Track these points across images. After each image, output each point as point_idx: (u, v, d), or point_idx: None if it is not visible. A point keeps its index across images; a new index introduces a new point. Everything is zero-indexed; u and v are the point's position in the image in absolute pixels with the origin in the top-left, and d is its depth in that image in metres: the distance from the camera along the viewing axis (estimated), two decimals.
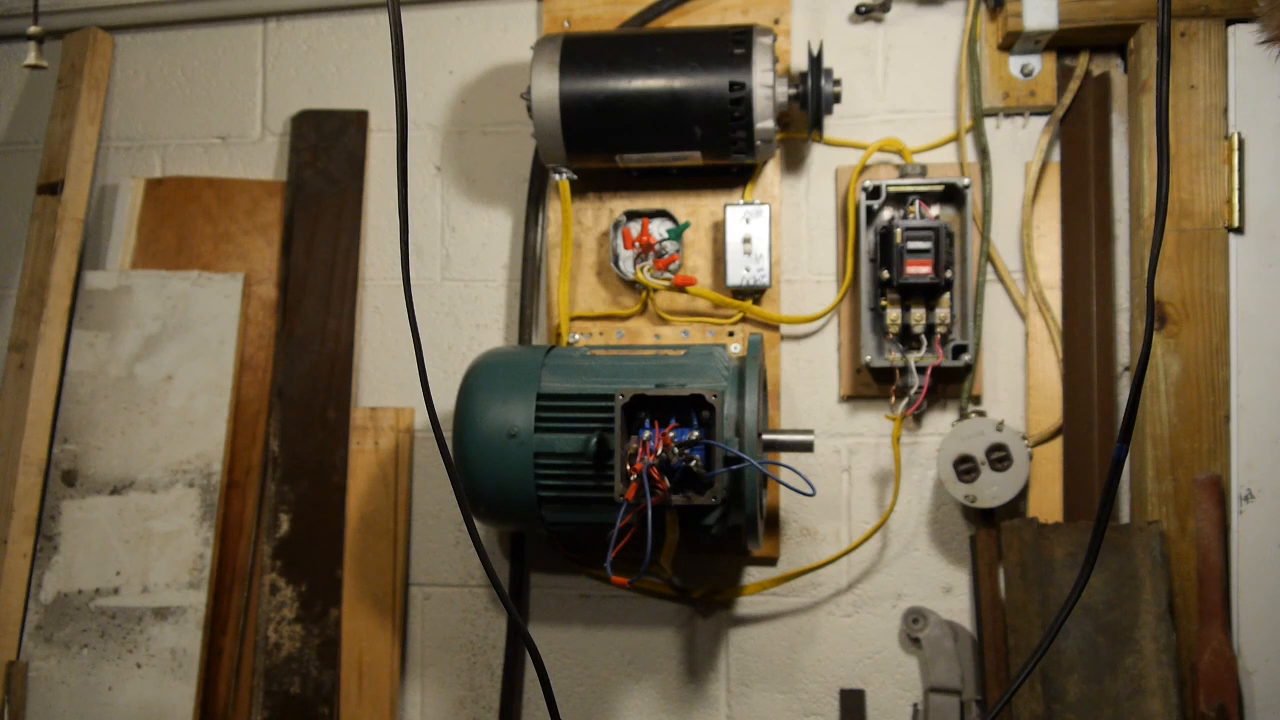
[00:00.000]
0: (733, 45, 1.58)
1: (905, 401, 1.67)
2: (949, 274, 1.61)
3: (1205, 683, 1.52)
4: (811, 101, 1.62)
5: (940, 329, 1.64)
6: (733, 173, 1.75)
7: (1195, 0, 1.59)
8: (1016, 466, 1.61)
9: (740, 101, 1.57)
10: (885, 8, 1.75)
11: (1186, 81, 1.60)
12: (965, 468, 1.62)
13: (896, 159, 1.74)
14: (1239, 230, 1.59)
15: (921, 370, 1.65)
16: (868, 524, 1.74)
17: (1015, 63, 1.70)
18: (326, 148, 1.87)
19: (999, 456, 1.61)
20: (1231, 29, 1.59)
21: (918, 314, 1.65)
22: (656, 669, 1.79)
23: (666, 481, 1.36)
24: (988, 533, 1.67)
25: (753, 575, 1.76)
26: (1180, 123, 1.60)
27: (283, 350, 1.82)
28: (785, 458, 1.62)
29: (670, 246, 1.73)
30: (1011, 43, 1.68)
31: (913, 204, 1.65)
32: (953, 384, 1.70)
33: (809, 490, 1.45)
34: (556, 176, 1.71)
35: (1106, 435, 1.64)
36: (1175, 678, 1.53)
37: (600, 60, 1.60)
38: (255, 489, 1.81)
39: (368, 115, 1.88)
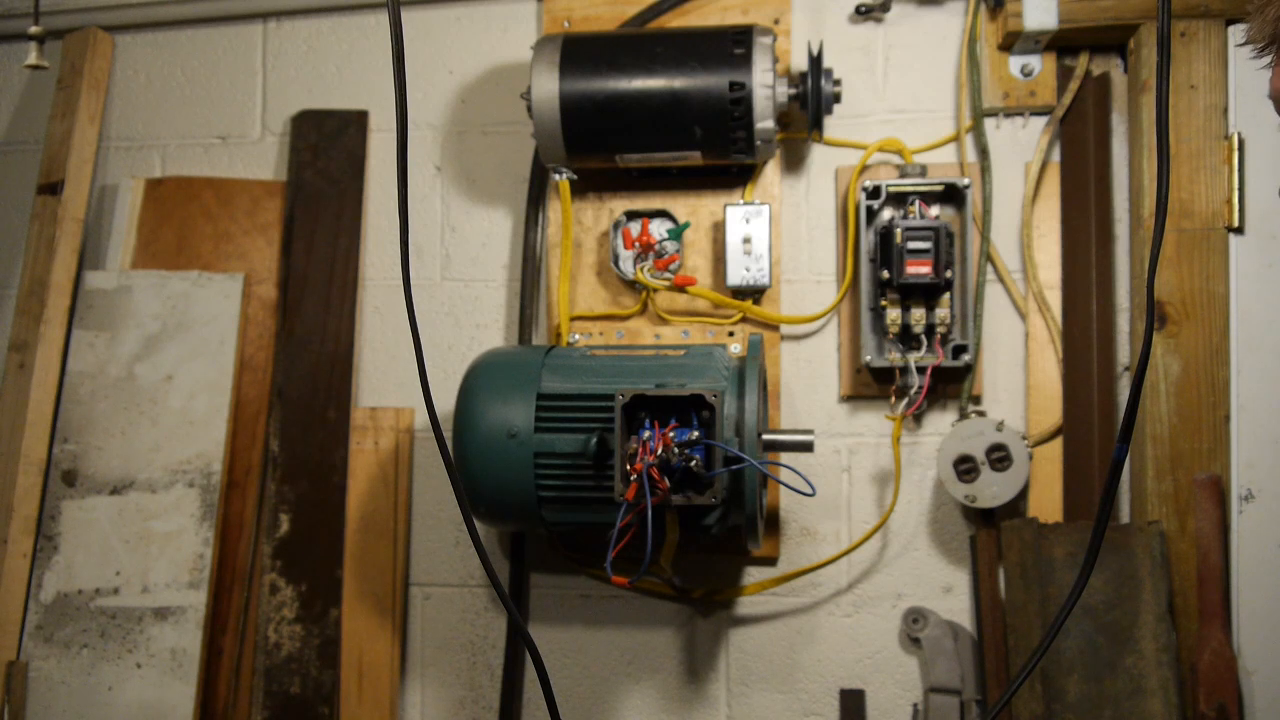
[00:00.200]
0: (733, 45, 1.58)
1: (905, 401, 1.67)
2: (949, 274, 1.61)
3: (1205, 683, 1.52)
4: (811, 101, 1.62)
5: (940, 329, 1.64)
6: (733, 173, 1.75)
7: (1195, 0, 1.58)
8: (1016, 466, 1.61)
9: (740, 101, 1.57)
10: (885, 8, 1.75)
11: (1186, 81, 1.60)
12: (965, 468, 1.62)
13: (896, 159, 1.74)
14: (1239, 230, 1.59)
15: (921, 370, 1.65)
16: (868, 524, 1.74)
17: (1015, 63, 1.70)
18: (326, 148, 1.87)
19: (999, 456, 1.61)
20: (1231, 29, 1.59)
21: (918, 314, 1.65)
22: (656, 669, 1.79)
23: (666, 481, 1.36)
24: (988, 533, 1.67)
25: (753, 575, 1.76)
26: (1180, 123, 1.59)
27: (283, 350, 1.82)
28: (785, 458, 1.62)
29: (670, 246, 1.73)
30: (1011, 43, 1.68)
31: (913, 204, 1.65)
32: (953, 384, 1.70)
33: (809, 490, 1.45)
34: (556, 176, 1.71)
35: (1106, 435, 1.64)
36: (1175, 678, 1.53)
37: (600, 60, 1.60)
38: (255, 489, 1.81)
39: (368, 115, 1.88)
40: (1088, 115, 1.69)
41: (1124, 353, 1.68)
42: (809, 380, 1.76)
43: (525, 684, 1.80)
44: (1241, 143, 1.58)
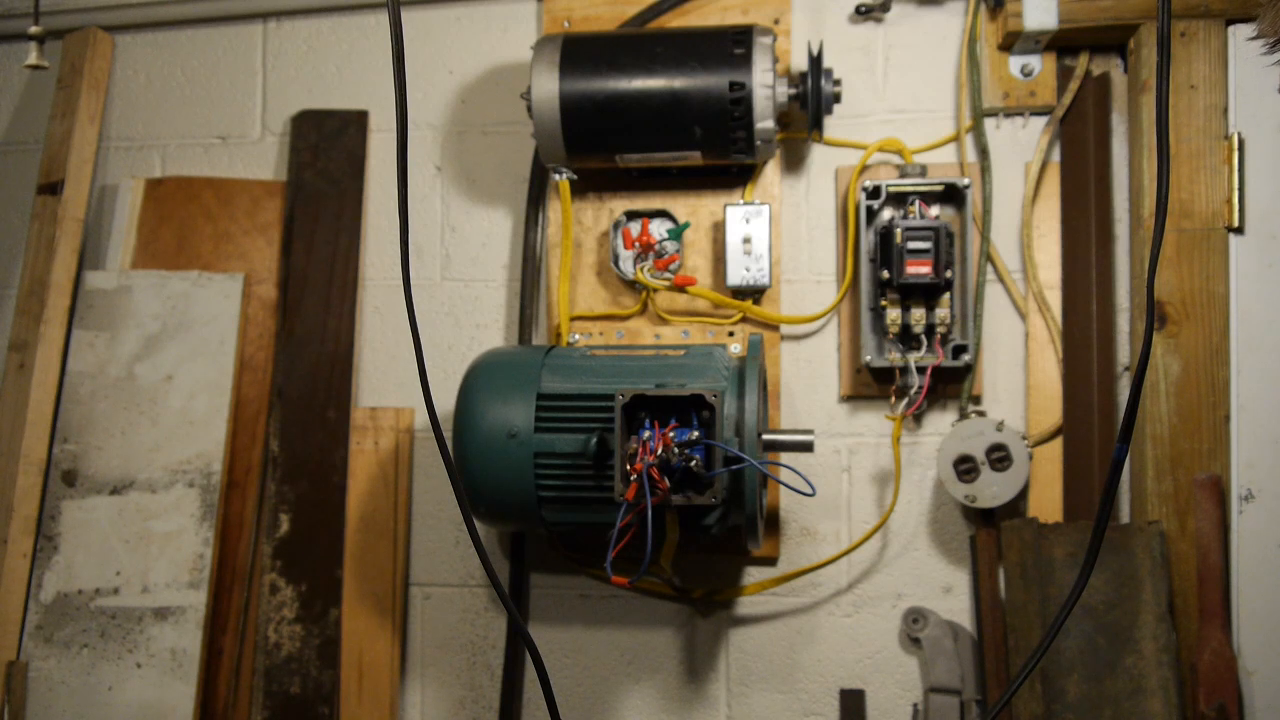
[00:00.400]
0: (733, 45, 1.58)
1: (905, 401, 1.67)
2: (949, 274, 1.61)
3: (1205, 683, 1.52)
4: (811, 101, 1.62)
5: (940, 329, 1.64)
6: (733, 173, 1.75)
7: (1195, 0, 1.59)
8: (1016, 466, 1.61)
9: (740, 101, 1.57)
10: (885, 8, 1.75)
11: (1186, 81, 1.60)
12: (965, 468, 1.62)
13: (896, 159, 1.74)
14: (1239, 230, 1.59)
15: (921, 370, 1.65)
16: (868, 524, 1.74)
17: (1015, 63, 1.70)
18: (326, 148, 1.87)
19: (999, 456, 1.61)
20: (1231, 29, 1.59)
21: (918, 314, 1.65)
22: (656, 669, 1.79)
23: (666, 481, 1.36)
24: (988, 533, 1.67)
25: (753, 575, 1.76)
26: (1180, 123, 1.59)
27: (283, 350, 1.82)
28: (785, 458, 1.62)
29: (670, 246, 1.73)
30: (1011, 43, 1.68)
31: (913, 204, 1.65)
32: (953, 384, 1.70)
33: (809, 490, 1.45)
34: (556, 176, 1.71)
35: (1106, 435, 1.64)
36: (1175, 678, 1.53)
37: (600, 60, 1.60)
38: (255, 489, 1.81)
39: (368, 115, 1.88)
40: (1088, 115, 1.69)
41: (1124, 353, 1.68)
42: (809, 380, 1.76)
43: (525, 684, 1.80)
44: (1241, 143, 1.58)
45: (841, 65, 1.75)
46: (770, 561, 1.76)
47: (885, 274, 1.63)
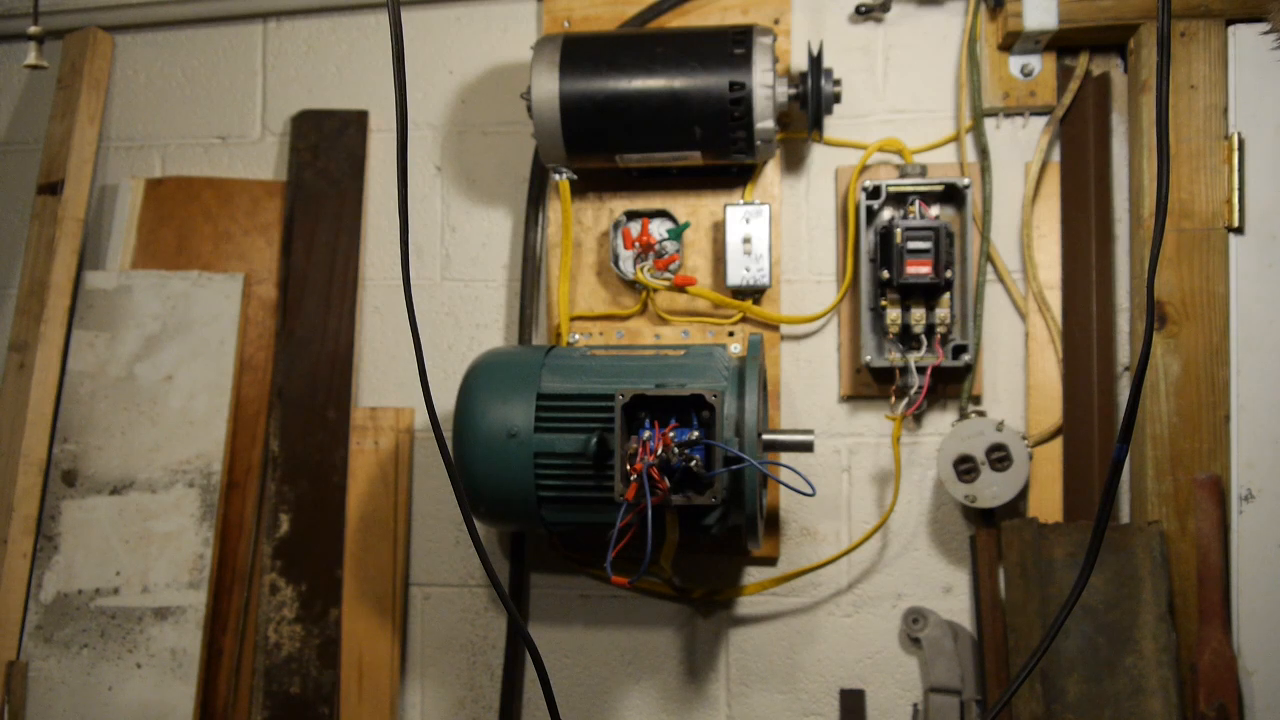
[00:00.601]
0: (733, 45, 1.58)
1: (905, 401, 1.67)
2: (949, 274, 1.61)
3: (1205, 683, 1.52)
4: (811, 101, 1.62)
5: (940, 329, 1.64)
6: (733, 173, 1.75)
7: (1195, 0, 1.59)
8: (1016, 466, 1.61)
9: (740, 101, 1.57)
10: (885, 8, 1.75)
11: (1186, 81, 1.60)
12: (965, 468, 1.62)
13: (896, 159, 1.74)
14: (1239, 230, 1.59)
15: (921, 370, 1.65)
16: (868, 524, 1.74)
17: (1015, 63, 1.70)
18: (326, 148, 1.87)
19: (999, 456, 1.61)
20: (1231, 29, 1.59)
21: (918, 314, 1.65)
22: (656, 669, 1.79)
23: (666, 481, 1.36)
24: (988, 533, 1.67)
25: (753, 575, 1.77)
26: (1180, 123, 1.60)
27: (283, 350, 1.82)
28: (785, 458, 1.62)
29: (670, 246, 1.73)
30: (1011, 43, 1.68)
31: (913, 204, 1.65)
32: (953, 384, 1.70)
33: (809, 490, 1.45)
34: (556, 176, 1.71)
35: (1106, 435, 1.64)
36: (1175, 678, 1.53)
37: (600, 60, 1.60)
38: (255, 489, 1.81)
39: (368, 115, 1.88)
40: (1088, 115, 1.69)
41: (1124, 353, 1.68)
42: (809, 380, 1.76)
43: (525, 684, 1.80)
44: (1241, 143, 1.58)
45: (841, 65, 1.75)
46: (770, 561, 1.76)
47: (885, 274, 1.63)
